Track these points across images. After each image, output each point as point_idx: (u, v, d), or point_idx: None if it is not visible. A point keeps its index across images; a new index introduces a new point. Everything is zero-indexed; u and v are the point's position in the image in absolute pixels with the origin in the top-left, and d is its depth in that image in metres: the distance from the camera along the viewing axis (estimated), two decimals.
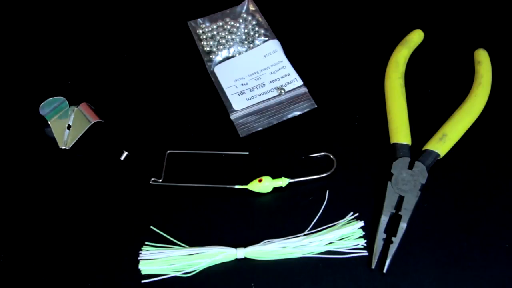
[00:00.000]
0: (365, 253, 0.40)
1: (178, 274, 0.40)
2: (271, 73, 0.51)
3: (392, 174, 0.43)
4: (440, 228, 0.42)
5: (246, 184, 0.43)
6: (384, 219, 0.41)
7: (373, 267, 0.39)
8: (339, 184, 0.44)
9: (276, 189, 0.44)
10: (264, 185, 0.43)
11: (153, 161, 0.46)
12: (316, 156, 0.45)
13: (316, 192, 0.44)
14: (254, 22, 0.55)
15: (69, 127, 0.47)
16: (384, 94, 0.48)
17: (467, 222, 0.42)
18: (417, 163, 0.43)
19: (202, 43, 0.54)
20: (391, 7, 0.57)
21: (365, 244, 0.41)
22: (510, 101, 0.49)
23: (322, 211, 0.42)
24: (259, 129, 0.48)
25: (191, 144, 0.47)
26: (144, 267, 0.40)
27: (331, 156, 0.45)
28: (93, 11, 0.59)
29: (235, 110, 0.49)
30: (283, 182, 0.43)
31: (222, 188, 0.44)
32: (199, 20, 0.56)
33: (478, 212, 0.42)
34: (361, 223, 0.41)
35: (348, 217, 0.42)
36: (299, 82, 0.50)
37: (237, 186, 0.43)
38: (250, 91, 0.50)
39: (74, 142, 0.47)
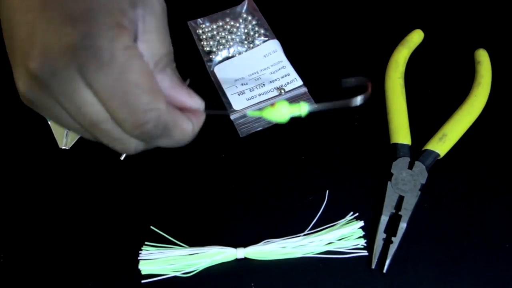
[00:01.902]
0: (365, 253, 0.40)
1: (178, 274, 0.40)
2: (271, 73, 0.51)
3: (392, 174, 0.43)
4: (440, 228, 0.42)
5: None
6: (384, 219, 0.41)
7: (373, 267, 0.39)
8: (339, 184, 0.44)
9: (276, 188, 0.44)
10: (280, 111, 0.33)
11: (153, 161, 0.46)
12: (351, 80, 0.37)
13: (316, 192, 0.44)
14: (254, 22, 0.55)
15: None
16: (384, 94, 0.48)
17: (467, 222, 0.42)
18: (417, 163, 0.43)
19: (202, 43, 0.54)
20: (391, 7, 0.57)
21: (365, 244, 0.41)
22: (510, 101, 0.49)
23: (322, 211, 0.42)
24: (259, 129, 0.48)
25: (191, 144, 0.47)
26: (144, 267, 0.40)
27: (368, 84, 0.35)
28: None
29: (235, 110, 0.49)
30: (302, 108, 0.34)
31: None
32: (199, 20, 0.56)
33: (478, 212, 0.42)
34: (361, 223, 0.41)
35: (348, 217, 0.42)
36: (299, 82, 0.50)
37: (248, 112, 0.35)
38: (250, 91, 0.50)
39: (74, 142, 0.47)
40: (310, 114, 0.49)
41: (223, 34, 0.54)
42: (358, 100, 0.33)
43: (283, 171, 0.45)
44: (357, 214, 0.42)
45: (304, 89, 0.50)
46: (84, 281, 0.40)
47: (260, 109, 0.32)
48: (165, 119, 0.27)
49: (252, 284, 0.40)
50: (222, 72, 0.51)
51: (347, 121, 0.48)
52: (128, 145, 0.28)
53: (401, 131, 0.45)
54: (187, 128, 0.29)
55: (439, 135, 0.45)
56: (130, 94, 0.25)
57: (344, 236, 0.41)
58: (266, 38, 0.54)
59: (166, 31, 0.29)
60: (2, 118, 0.50)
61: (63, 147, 0.47)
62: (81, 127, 0.28)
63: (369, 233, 0.41)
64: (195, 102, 0.31)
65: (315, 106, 0.34)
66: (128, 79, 0.25)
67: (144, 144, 0.29)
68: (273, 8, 0.57)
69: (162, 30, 0.29)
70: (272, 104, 0.33)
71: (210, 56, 0.53)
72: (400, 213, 0.41)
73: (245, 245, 0.40)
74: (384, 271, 0.39)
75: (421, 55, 0.52)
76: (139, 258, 0.40)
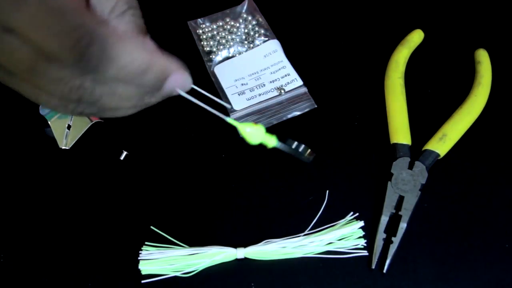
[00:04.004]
0: (365, 253, 0.40)
1: (178, 274, 0.40)
2: (271, 73, 0.51)
3: (392, 174, 0.43)
4: (440, 228, 0.42)
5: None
6: (384, 219, 0.41)
7: (373, 267, 0.39)
8: (339, 184, 0.44)
9: (276, 188, 0.44)
10: (254, 135, 0.35)
11: (153, 161, 0.46)
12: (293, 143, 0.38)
13: (316, 192, 0.44)
14: (254, 22, 0.55)
15: (69, 127, 0.48)
16: (384, 94, 0.48)
17: (467, 222, 0.42)
18: (417, 163, 0.43)
19: (202, 43, 0.54)
20: (391, 7, 0.57)
21: (365, 244, 0.41)
22: (510, 101, 0.49)
23: (322, 211, 0.42)
24: None
25: (191, 144, 0.47)
26: (144, 267, 0.40)
27: None
28: None
29: (235, 110, 0.49)
30: (271, 141, 0.35)
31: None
32: (199, 20, 0.56)
33: (478, 212, 0.42)
34: (361, 223, 0.41)
35: (348, 217, 0.42)
36: (299, 82, 0.50)
37: (228, 119, 0.36)
38: (250, 91, 0.50)
39: (74, 142, 0.47)
40: (311, 115, 0.49)
41: (223, 34, 0.54)
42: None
43: (283, 171, 0.45)
44: (357, 214, 0.42)
45: (304, 89, 0.50)
46: (84, 281, 0.40)
47: (241, 122, 0.34)
48: (101, 35, 0.24)
49: (252, 284, 0.40)
50: (222, 72, 0.51)
51: (347, 121, 0.48)
52: (83, 86, 0.26)
53: (401, 131, 0.45)
54: (132, 52, 0.26)
55: (439, 135, 0.45)
56: (52, 20, 0.24)
57: (344, 236, 0.41)
58: (266, 38, 0.54)
59: None
60: (2, 118, 0.50)
61: (63, 147, 0.47)
62: (29, 85, 0.26)
63: (369, 233, 0.41)
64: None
65: (280, 145, 0.36)
66: (47, 7, 0.23)
67: (99, 87, 0.27)
68: (273, 8, 0.57)
69: None
70: (250, 127, 0.34)
71: (210, 56, 0.53)
72: (400, 213, 0.41)
73: (245, 245, 0.40)
74: (384, 271, 0.39)
75: (421, 55, 0.52)
76: (139, 258, 0.40)
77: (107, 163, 0.46)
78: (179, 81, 0.29)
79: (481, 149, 0.46)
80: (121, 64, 0.26)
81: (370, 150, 0.46)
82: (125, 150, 0.47)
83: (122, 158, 0.47)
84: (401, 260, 0.40)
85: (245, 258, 0.40)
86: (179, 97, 0.52)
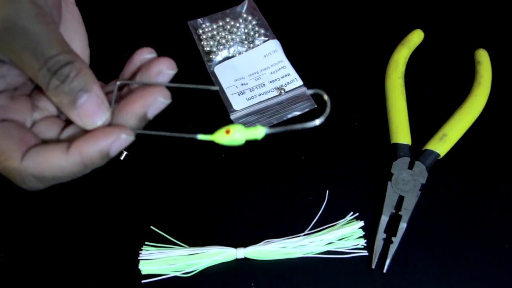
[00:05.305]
0: (365, 253, 0.40)
1: (178, 274, 0.40)
2: (271, 73, 0.51)
3: (392, 174, 0.43)
4: (440, 228, 0.42)
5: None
6: (384, 219, 0.41)
7: (373, 267, 0.40)
8: (339, 184, 0.44)
9: (276, 188, 0.44)
10: (234, 136, 0.31)
11: (153, 161, 0.46)
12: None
13: (316, 192, 0.44)
14: (254, 22, 0.55)
15: None
16: (384, 94, 0.48)
17: (467, 222, 0.42)
18: (417, 163, 0.43)
19: (202, 43, 0.54)
20: (391, 7, 0.57)
21: (365, 244, 0.41)
22: (510, 101, 0.49)
23: (322, 211, 0.42)
24: None
25: (191, 144, 0.47)
26: (144, 267, 0.40)
27: (325, 96, 0.30)
28: (93, 10, 0.59)
29: (235, 110, 0.49)
30: (259, 132, 0.31)
31: (187, 139, 0.34)
32: (199, 20, 0.56)
33: (478, 212, 0.42)
34: (361, 223, 0.41)
35: (348, 217, 0.42)
36: (299, 82, 0.50)
37: (199, 136, 0.33)
38: (250, 91, 0.50)
39: None
40: (311, 115, 0.49)
41: (223, 34, 0.54)
42: (317, 121, 0.30)
43: (283, 171, 0.45)
44: (357, 214, 0.42)
45: (304, 89, 0.50)
46: (84, 281, 0.40)
47: (212, 133, 0.31)
48: (24, 171, 0.27)
49: (252, 284, 0.40)
50: (222, 72, 0.51)
51: (347, 121, 0.48)
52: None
53: (401, 131, 0.45)
54: (60, 164, 0.27)
55: (439, 135, 0.45)
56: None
57: (344, 236, 0.41)
58: (266, 38, 0.54)
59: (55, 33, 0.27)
60: None
61: None
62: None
63: (369, 233, 0.41)
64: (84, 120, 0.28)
65: (272, 130, 0.30)
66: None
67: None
68: (273, 8, 0.57)
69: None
70: (227, 131, 0.31)
71: (210, 56, 0.53)
72: (400, 213, 0.41)
73: (245, 245, 0.40)
74: (384, 271, 0.39)
75: (421, 55, 0.52)
76: (139, 258, 0.40)
77: (107, 163, 0.46)
78: (121, 143, 0.29)
79: (481, 149, 0.46)
80: (58, 177, 0.28)
81: (370, 150, 0.46)
82: (125, 150, 0.47)
83: (122, 158, 0.47)
84: (401, 260, 0.40)
85: (245, 258, 0.40)
86: (179, 97, 0.52)
